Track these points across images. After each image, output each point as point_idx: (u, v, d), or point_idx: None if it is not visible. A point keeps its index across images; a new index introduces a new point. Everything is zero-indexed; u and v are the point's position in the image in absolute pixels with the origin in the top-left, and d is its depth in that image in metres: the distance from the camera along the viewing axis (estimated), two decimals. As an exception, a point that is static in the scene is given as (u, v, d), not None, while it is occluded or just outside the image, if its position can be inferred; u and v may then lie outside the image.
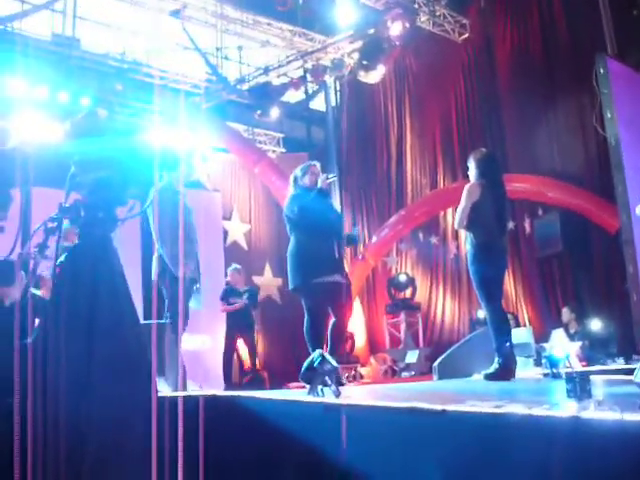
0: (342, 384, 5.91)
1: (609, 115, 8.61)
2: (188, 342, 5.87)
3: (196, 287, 6.11)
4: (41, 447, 2.52)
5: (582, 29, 11.89)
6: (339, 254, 6.08)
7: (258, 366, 12.03)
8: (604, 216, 10.86)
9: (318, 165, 6.44)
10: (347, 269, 6.68)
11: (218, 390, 5.63)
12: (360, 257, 14.50)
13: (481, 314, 6.72)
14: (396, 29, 12.47)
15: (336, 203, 6.33)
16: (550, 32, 12.61)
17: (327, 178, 6.18)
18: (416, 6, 13.40)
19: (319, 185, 6.11)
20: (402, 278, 14.43)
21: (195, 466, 3.00)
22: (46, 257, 3.31)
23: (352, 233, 6.65)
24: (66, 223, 3.03)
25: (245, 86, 14.60)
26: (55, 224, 3.02)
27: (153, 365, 2.82)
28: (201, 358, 5.63)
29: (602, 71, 8.72)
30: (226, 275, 11.36)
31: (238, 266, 11.20)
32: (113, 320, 2.78)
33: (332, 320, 6.01)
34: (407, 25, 12.28)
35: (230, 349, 10.69)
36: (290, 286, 6.01)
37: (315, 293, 5.83)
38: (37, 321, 3.09)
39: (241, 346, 11.02)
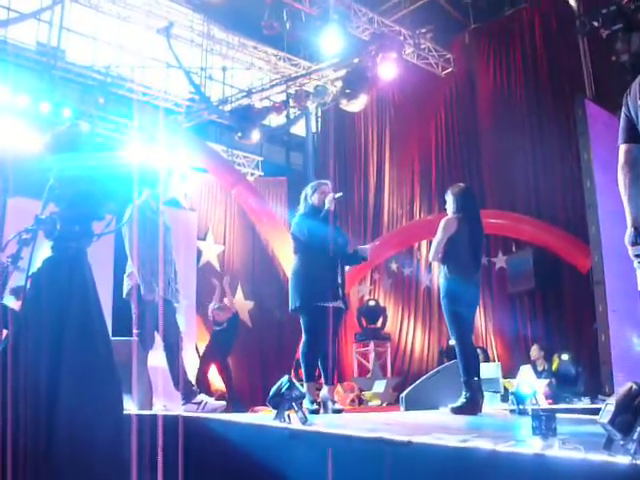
0: (339, 411, 5.92)
1: (585, 156, 8.73)
2: (152, 359, 5.82)
3: (176, 305, 6.07)
4: (9, 454, 2.49)
5: (563, 71, 12.13)
6: (342, 279, 6.09)
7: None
8: (576, 255, 10.98)
9: (329, 184, 6.40)
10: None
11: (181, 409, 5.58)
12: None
13: (451, 342, 6.76)
14: (382, 62, 12.58)
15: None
16: (532, 72, 12.81)
17: (334, 198, 6.13)
18: (401, 38, 13.54)
19: (326, 205, 6.08)
20: (371, 304, 14.42)
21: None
22: (19, 268, 3.29)
23: (359, 251, 6.41)
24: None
25: (227, 107, 14.64)
26: (30, 235, 3.00)
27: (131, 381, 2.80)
28: (164, 376, 5.58)
29: (580, 113, 8.87)
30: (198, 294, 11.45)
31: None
32: (84, 334, 2.76)
33: (323, 348, 6.01)
34: (394, 56, 12.39)
35: (205, 371, 10.76)
36: (290, 306, 6.01)
37: (316, 316, 5.85)
38: (5, 332, 3.05)
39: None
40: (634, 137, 3.61)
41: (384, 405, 11.47)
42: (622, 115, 3.69)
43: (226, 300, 11.55)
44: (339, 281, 6.02)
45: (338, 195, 6.23)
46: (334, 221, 6.14)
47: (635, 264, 3.55)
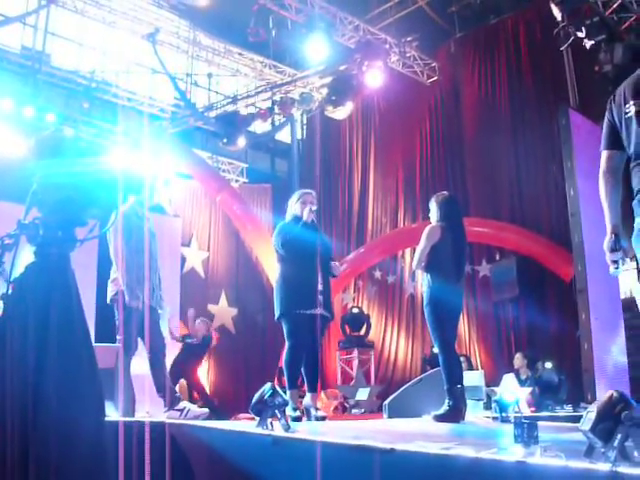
0: (323, 418, 5.94)
1: (569, 165, 8.78)
2: (135, 365, 5.80)
3: (159, 312, 6.04)
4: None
5: (547, 80, 12.21)
6: (324, 286, 6.08)
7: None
8: (560, 264, 11.03)
9: (313, 194, 6.42)
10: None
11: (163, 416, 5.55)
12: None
13: (435, 350, 6.80)
14: (368, 69, 12.59)
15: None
16: (516, 81, 12.90)
17: (310, 211, 6.17)
18: (387, 46, 13.58)
19: (304, 216, 6.11)
20: (355, 311, 14.43)
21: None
22: (0, 274, 3.27)
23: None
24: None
25: (213, 114, 14.61)
26: (12, 240, 2.97)
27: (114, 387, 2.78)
28: (147, 382, 5.55)
29: (564, 122, 8.92)
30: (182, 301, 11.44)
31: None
32: (66, 340, 2.74)
33: (306, 355, 6.01)
34: (379, 64, 12.41)
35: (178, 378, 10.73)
36: (275, 315, 6.04)
37: (298, 323, 5.87)
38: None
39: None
40: (617, 143, 3.60)
41: (367, 413, 11.45)
42: (605, 120, 3.68)
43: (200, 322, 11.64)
44: (320, 288, 6.02)
45: (313, 208, 6.27)
46: (313, 230, 6.16)
47: (611, 270, 3.56)
